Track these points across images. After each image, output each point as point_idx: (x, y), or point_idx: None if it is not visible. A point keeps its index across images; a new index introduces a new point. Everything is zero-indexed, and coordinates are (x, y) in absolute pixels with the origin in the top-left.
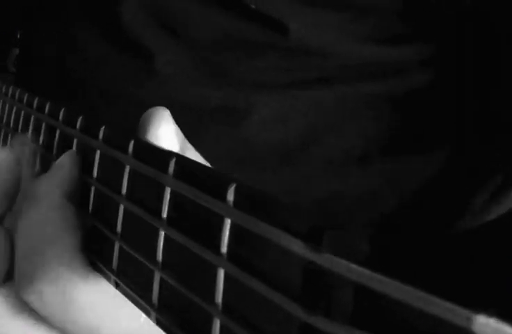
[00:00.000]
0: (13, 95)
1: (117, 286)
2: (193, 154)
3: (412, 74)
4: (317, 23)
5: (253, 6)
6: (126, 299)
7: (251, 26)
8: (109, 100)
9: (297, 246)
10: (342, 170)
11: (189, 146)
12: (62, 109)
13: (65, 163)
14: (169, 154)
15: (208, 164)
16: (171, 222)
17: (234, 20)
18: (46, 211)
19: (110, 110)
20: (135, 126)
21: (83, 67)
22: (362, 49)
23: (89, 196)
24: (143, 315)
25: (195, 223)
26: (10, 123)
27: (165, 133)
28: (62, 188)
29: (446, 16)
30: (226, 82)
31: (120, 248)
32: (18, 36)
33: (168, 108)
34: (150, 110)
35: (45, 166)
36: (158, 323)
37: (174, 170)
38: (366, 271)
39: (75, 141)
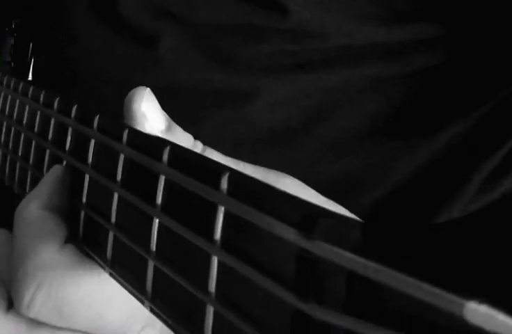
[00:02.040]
0: (8, 85)
1: (111, 275)
2: (182, 134)
3: (416, 54)
4: (318, 2)
5: None
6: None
7: (252, 9)
8: (112, 88)
9: (290, 234)
10: (344, 150)
11: (176, 125)
12: (57, 98)
13: (44, 179)
14: (163, 143)
15: (200, 143)
16: (165, 210)
17: (235, 3)
18: (25, 227)
19: (113, 98)
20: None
21: (83, 55)
22: (365, 28)
23: (83, 186)
24: None
25: (189, 211)
26: (4, 112)
27: (149, 110)
28: (40, 201)
29: None
30: (230, 66)
31: (114, 238)
32: (13, 26)
33: (172, 92)
34: (132, 90)
35: (39, 155)
36: (152, 311)
37: (168, 159)
38: (359, 258)
39: (70, 130)
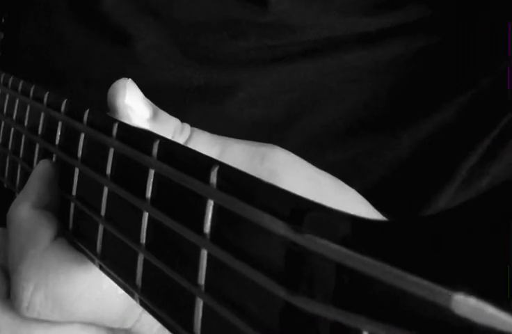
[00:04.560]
0: None
1: (100, 268)
2: (169, 118)
3: (395, 40)
4: None
5: None
6: None
7: (231, 3)
8: (93, 87)
9: (279, 227)
10: (327, 144)
11: (161, 111)
12: (47, 93)
13: (32, 178)
14: (152, 137)
15: (188, 126)
16: (155, 203)
17: None
18: (17, 229)
19: (94, 97)
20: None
21: (65, 54)
22: (345, 19)
23: (73, 179)
24: None
25: (179, 205)
26: None
27: (133, 100)
28: (30, 201)
29: None
30: (210, 62)
31: (104, 231)
32: (2, 20)
33: (151, 90)
34: (114, 83)
35: (30, 149)
36: (142, 304)
37: (158, 152)
38: (347, 251)
39: (59, 124)
